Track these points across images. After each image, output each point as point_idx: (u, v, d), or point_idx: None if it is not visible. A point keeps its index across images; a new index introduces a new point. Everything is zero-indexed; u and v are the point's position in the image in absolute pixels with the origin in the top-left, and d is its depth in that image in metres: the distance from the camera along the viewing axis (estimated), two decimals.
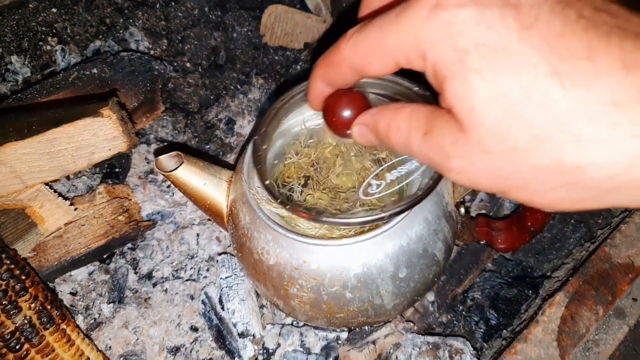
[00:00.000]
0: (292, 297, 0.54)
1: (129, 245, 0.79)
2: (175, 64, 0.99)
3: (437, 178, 0.48)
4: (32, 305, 0.57)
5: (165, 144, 0.90)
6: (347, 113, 0.48)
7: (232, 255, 0.73)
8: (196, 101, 0.96)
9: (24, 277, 0.57)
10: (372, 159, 0.58)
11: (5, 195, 0.60)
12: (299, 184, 0.58)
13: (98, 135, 0.59)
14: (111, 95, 0.63)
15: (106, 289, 0.75)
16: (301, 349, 0.62)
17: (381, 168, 0.52)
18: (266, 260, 0.54)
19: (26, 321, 0.56)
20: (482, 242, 0.67)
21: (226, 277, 0.67)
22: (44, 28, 0.98)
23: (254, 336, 0.64)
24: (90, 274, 0.77)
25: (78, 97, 0.68)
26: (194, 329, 0.72)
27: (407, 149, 0.35)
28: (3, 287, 0.55)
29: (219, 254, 0.74)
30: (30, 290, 0.57)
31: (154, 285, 0.76)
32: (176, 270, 0.76)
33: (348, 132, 0.49)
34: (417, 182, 0.51)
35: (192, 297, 0.75)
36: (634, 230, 0.58)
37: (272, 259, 0.53)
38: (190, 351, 0.71)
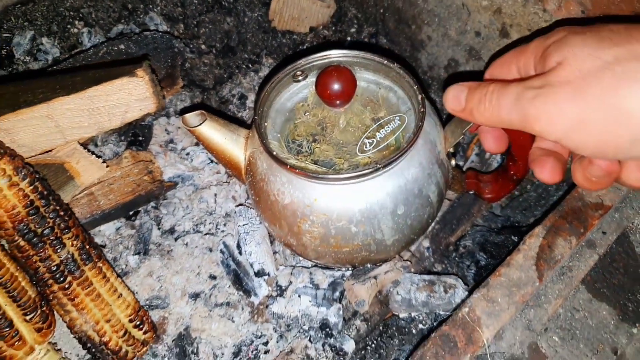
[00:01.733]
0: (304, 232, 0.61)
1: (153, 204, 0.86)
2: (191, 45, 1.07)
3: (419, 129, 0.58)
4: (74, 242, 0.65)
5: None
6: (337, 87, 0.60)
7: (248, 206, 0.80)
8: (211, 79, 1.04)
9: (67, 218, 0.64)
10: (371, 117, 0.64)
11: (49, 149, 0.68)
12: (308, 140, 0.64)
13: (132, 94, 0.66)
14: (143, 60, 0.70)
15: (132, 242, 0.83)
16: (311, 285, 0.70)
17: (371, 129, 0.62)
18: (281, 200, 0.61)
19: (69, 256, 0.64)
20: (471, 193, 0.73)
21: (243, 225, 0.75)
22: (71, 12, 1.06)
23: (268, 275, 0.71)
24: (118, 229, 0.84)
25: (113, 62, 0.76)
26: (212, 277, 0.80)
27: (496, 115, 0.46)
28: (50, 224, 0.62)
29: (236, 206, 0.82)
30: (72, 229, 0.65)
31: (176, 239, 0.83)
32: (196, 225, 0.84)
33: (337, 102, 0.62)
34: (405, 138, 0.61)
35: (210, 250, 0.82)
36: None
37: (286, 198, 0.60)
38: (210, 296, 0.78)
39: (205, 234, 0.83)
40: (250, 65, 1.05)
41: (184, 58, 1.02)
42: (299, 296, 0.68)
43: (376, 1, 1.04)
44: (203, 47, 1.08)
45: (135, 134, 0.93)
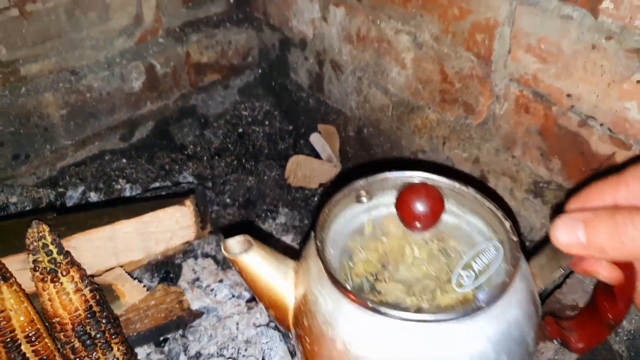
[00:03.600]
0: None
1: (180, 332, 0.94)
2: (217, 200, 1.24)
3: (517, 260, 0.50)
4: (120, 347, 0.73)
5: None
6: (422, 207, 0.52)
7: (267, 327, 0.88)
8: (235, 226, 1.18)
9: (116, 325, 0.74)
10: (439, 248, 0.56)
11: (103, 270, 0.79)
12: (369, 280, 0.55)
13: (178, 222, 0.80)
14: (189, 195, 0.85)
15: None
16: None
17: (468, 257, 0.52)
18: (354, 350, 0.49)
19: (115, 359, 0.72)
20: (555, 342, 0.62)
21: (266, 342, 0.83)
22: (116, 172, 1.25)
23: None
24: (148, 354, 0.91)
25: (162, 196, 0.91)
26: None
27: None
28: (102, 328, 0.71)
29: (257, 327, 0.90)
30: (119, 336, 0.74)
31: None
32: (220, 350, 0.91)
33: (418, 225, 0.53)
34: (499, 270, 0.52)
35: None
36: None
37: (363, 348, 0.48)
38: None
39: (228, 358, 0.90)
40: (269, 214, 1.21)
41: (212, 208, 1.18)
42: None
43: (378, 163, 1.24)
44: (228, 200, 1.25)
45: (167, 272, 1.05)
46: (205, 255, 1.12)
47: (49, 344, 0.69)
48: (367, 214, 0.60)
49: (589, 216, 0.43)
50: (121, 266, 0.85)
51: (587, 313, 0.60)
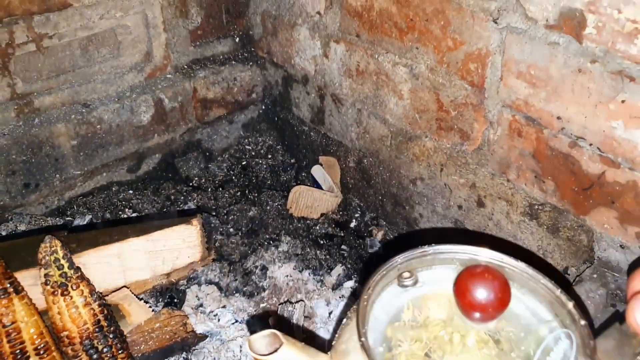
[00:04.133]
0: None
1: (184, 355, 0.95)
2: (221, 229, 1.26)
3: (593, 350, 0.46)
4: None
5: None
6: (485, 295, 0.46)
7: None
8: (237, 254, 1.20)
9: (122, 340, 0.75)
10: (486, 336, 0.51)
11: (111, 290, 0.81)
12: None
13: (185, 241, 0.83)
14: (196, 214, 0.88)
15: None
16: None
17: (540, 350, 0.47)
18: None
19: None
20: None
21: None
22: (123, 202, 1.28)
23: None
24: None
25: (170, 214, 0.94)
26: None
27: None
28: (109, 343, 0.73)
29: None
30: (125, 351, 0.75)
31: None
32: None
33: (477, 315, 0.47)
34: None
35: None
36: None
37: None
38: None
39: None
40: (271, 242, 1.23)
41: (216, 236, 1.21)
42: None
43: (375, 191, 1.27)
44: (231, 230, 1.27)
45: (172, 297, 1.06)
46: (209, 282, 1.13)
47: (56, 358, 0.70)
48: (406, 294, 0.55)
49: None
50: (128, 287, 0.87)
51: None
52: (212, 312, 1.06)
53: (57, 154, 1.16)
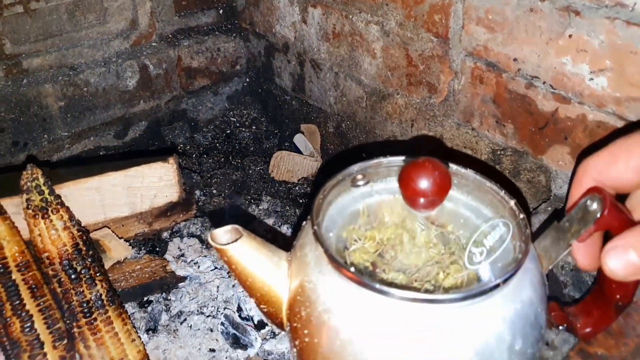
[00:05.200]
0: None
1: (164, 295, 0.99)
2: (204, 191, 1.31)
3: (528, 237, 0.49)
4: (104, 284, 0.78)
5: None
6: (425, 184, 0.48)
7: None
8: (219, 212, 1.25)
9: (100, 264, 0.80)
10: (437, 234, 0.54)
11: (92, 224, 0.86)
12: (367, 270, 0.52)
13: (162, 179, 0.87)
14: (172, 154, 0.93)
15: (144, 323, 0.94)
16: None
17: (477, 234, 0.49)
18: (360, 337, 0.45)
19: (98, 295, 0.77)
20: (560, 328, 0.59)
21: (242, 290, 0.88)
22: None
23: (267, 324, 0.82)
24: (132, 313, 0.96)
25: (147, 152, 0.98)
26: (212, 350, 0.89)
27: None
28: (87, 265, 0.77)
29: (233, 286, 0.95)
30: (103, 275, 0.79)
31: (182, 322, 0.95)
32: (200, 308, 0.96)
33: (426, 203, 0.49)
34: (507, 248, 0.50)
35: (211, 330, 0.93)
36: None
37: (369, 334, 0.45)
38: None
39: (208, 316, 0.95)
40: (252, 201, 1.27)
41: (199, 196, 1.25)
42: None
43: (353, 154, 1.32)
44: (214, 191, 1.32)
45: (153, 246, 1.11)
46: (191, 235, 1.17)
47: (37, 275, 0.74)
48: (361, 202, 0.58)
49: (635, 242, 0.44)
50: (109, 228, 0.91)
51: (593, 296, 0.58)
52: (192, 260, 1.10)
53: (45, 114, 1.20)
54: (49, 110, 1.21)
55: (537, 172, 0.92)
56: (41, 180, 0.76)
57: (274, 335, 0.83)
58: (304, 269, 0.51)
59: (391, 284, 0.46)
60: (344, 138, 1.33)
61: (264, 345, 0.81)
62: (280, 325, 0.55)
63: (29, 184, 0.75)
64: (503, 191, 0.54)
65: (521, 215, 0.51)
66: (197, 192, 1.27)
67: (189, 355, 0.89)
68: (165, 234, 1.14)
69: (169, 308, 0.97)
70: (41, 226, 0.74)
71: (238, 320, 0.86)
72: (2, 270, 0.71)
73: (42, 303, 0.73)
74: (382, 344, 0.45)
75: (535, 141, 0.90)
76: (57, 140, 1.25)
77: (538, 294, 0.49)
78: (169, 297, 0.99)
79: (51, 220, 0.75)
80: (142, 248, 1.10)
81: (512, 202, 0.53)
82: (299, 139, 1.45)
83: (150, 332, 0.92)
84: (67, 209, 0.77)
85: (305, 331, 0.49)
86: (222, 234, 0.51)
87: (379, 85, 1.16)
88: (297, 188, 1.33)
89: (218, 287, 1.01)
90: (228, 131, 1.54)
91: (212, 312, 0.96)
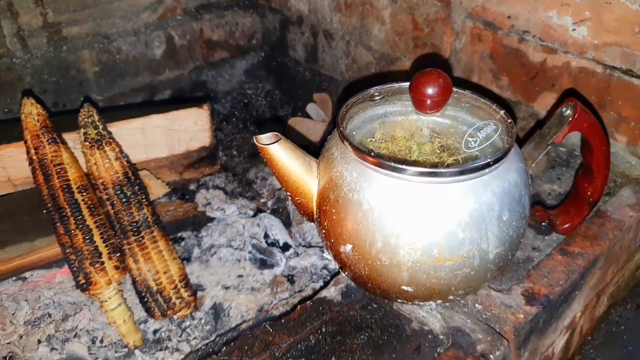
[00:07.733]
0: (403, 245, 0.57)
1: (195, 233, 1.11)
2: (225, 152, 1.42)
3: (513, 133, 0.61)
4: (149, 208, 0.90)
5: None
6: (431, 90, 0.61)
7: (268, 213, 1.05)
8: (240, 168, 1.36)
9: (146, 192, 0.91)
10: (440, 145, 0.65)
11: (136, 163, 0.97)
12: None
13: (197, 124, 0.98)
14: (206, 101, 1.04)
15: (178, 254, 1.05)
16: (321, 252, 0.92)
17: (473, 128, 0.63)
18: (377, 208, 0.57)
19: (146, 217, 0.88)
20: (543, 224, 0.75)
21: (267, 220, 1.00)
22: None
23: (291, 247, 0.94)
24: None
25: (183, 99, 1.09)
26: (240, 276, 1.01)
27: None
28: (136, 191, 0.89)
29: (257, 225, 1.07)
30: (148, 201, 0.91)
31: (212, 255, 1.06)
32: (229, 241, 1.08)
33: (432, 104, 0.62)
34: (497, 142, 0.62)
35: (239, 260, 1.04)
36: None
37: (385, 205, 0.57)
38: (238, 285, 0.98)
39: (236, 249, 1.07)
40: None
41: (222, 156, 1.37)
42: (310, 255, 0.90)
43: None
44: (235, 153, 1.44)
45: (183, 194, 1.22)
46: (216, 187, 1.29)
47: (94, 197, 0.86)
48: (377, 121, 0.69)
49: None
50: (148, 170, 1.03)
51: (570, 198, 0.72)
52: (218, 207, 1.22)
53: (82, 78, 1.32)
54: (86, 75, 1.32)
55: (529, 120, 1.03)
56: (96, 117, 0.87)
57: (297, 255, 0.95)
58: (331, 164, 0.62)
59: (404, 161, 0.60)
60: None
61: (289, 262, 0.92)
62: (310, 216, 0.66)
63: (85, 119, 0.87)
64: (495, 105, 0.66)
65: (509, 120, 0.63)
66: (220, 153, 1.38)
67: (220, 280, 1.00)
68: (192, 186, 1.25)
69: (200, 243, 1.09)
70: (97, 156, 0.86)
71: (264, 246, 0.98)
72: (67, 190, 0.83)
73: (98, 220, 0.84)
74: (397, 211, 0.57)
75: (527, 90, 1.01)
76: (92, 104, 1.37)
77: (522, 180, 0.61)
78: (199, 235, 1.11)
79: (105, 151, 0.86)
80: (173, 198, 1.21)
81: (502, 112, 0.65)
82: (311, 108, 1.56)
83: (185, 261, 1.04)
84: (118, 143, 0.89)
85: (333, 210, 0.61)
86: (265, 138, 0.61)
87: (387, 50, 1.27)
88: (311, 149, 1.45)
89: (244, 225, 1.12)
90: (245, 101, 1.65)
91: (239, 245, 1.07)
